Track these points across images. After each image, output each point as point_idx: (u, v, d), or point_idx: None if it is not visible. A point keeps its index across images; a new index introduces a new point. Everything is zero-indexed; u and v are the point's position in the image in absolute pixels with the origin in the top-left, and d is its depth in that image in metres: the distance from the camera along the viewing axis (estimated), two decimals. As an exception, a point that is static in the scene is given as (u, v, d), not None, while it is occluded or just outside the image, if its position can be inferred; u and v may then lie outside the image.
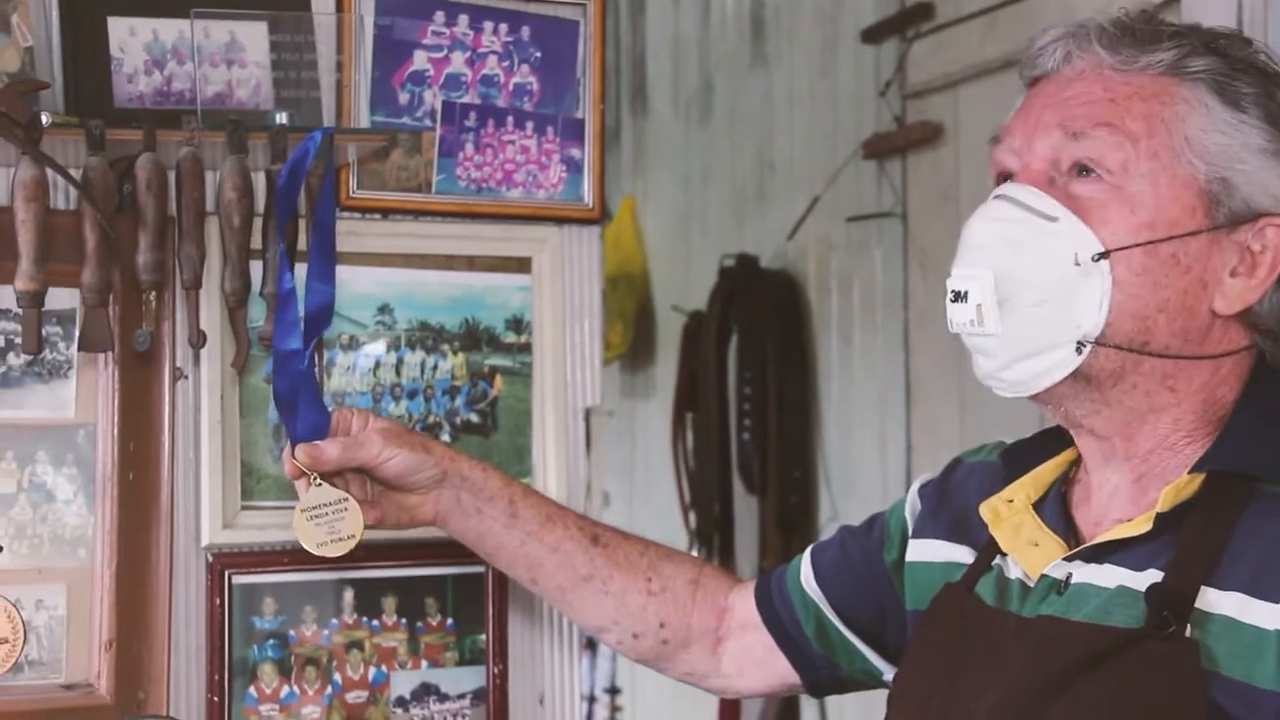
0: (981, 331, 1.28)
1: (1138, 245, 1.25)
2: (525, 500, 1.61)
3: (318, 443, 1.51)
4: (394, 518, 1.56)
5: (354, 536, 1.51)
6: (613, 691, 4.88)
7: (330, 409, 1.55)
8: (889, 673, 1.54)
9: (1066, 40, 1.31)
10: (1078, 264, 1.25)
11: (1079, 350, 1.26)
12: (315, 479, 1.50)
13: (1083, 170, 1.27)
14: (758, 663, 1.61)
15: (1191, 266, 1.26)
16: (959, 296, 1.28)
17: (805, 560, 1.60)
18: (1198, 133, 1.26)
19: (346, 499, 1.51)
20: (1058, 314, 1.26)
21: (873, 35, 3.52)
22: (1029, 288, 1.26)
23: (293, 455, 1.51)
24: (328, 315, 1.58)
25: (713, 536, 4.10)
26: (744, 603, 1.62)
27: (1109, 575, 1.26)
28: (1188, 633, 1.19)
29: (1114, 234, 1.25)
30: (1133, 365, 1.27)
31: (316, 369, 1.59)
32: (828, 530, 3.07)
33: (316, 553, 1.51)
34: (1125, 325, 1.26)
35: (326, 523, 1.50)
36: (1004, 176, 1.33)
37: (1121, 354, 1.26)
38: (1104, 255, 1.25)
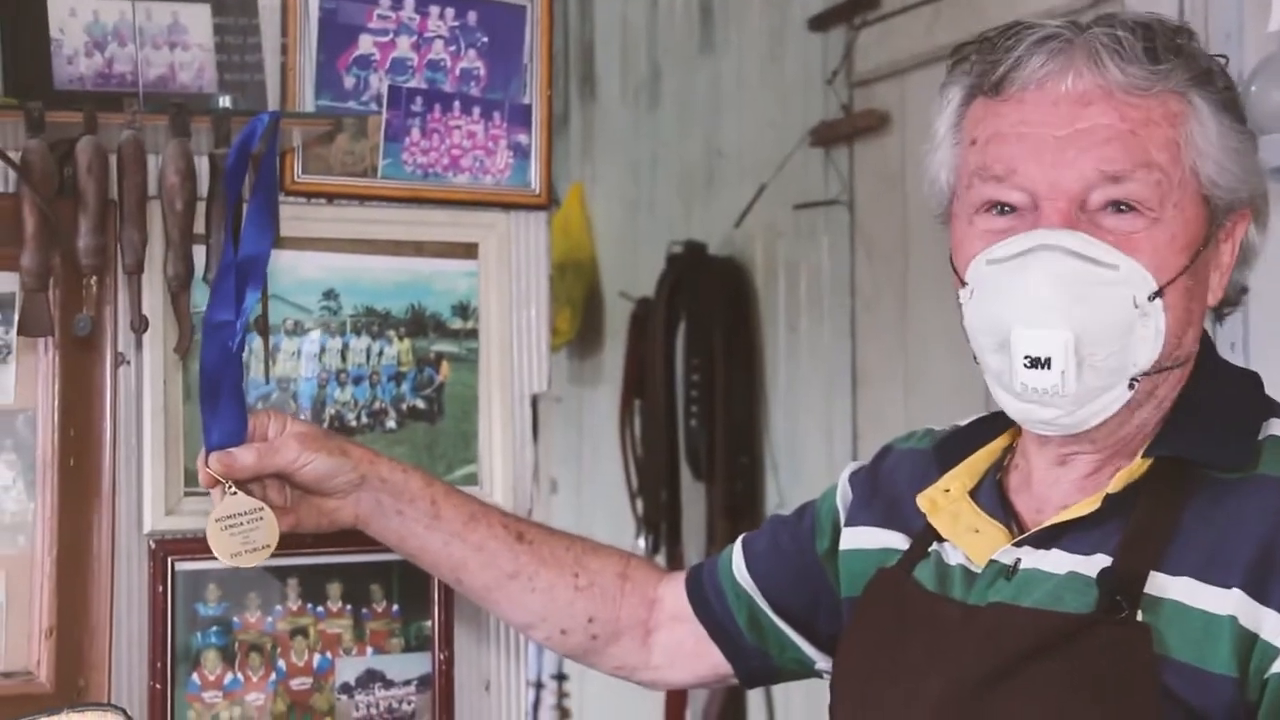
0: (1060, 393, 1.22)
1: (1182, 273, 1.24)
2: (447, 500, 1.58)
3: (232, 450, 1.46)
4: (312, 522, 1.53)
5: (269, 546, 1.47)
6: (560, 678, 4.88)
7: (255, 407, 1.51)
8: (821, 662, 1.54)
9: (1052, 51, 1.25)
10: (1137, 306, 1.22)
11: (1132, 386, 1.24)
12: (230, 487, 1.46)
13: (1118, 206, 1.24)
14: (689, 654, 1.61)
15: (1205, 275, 1.28)
16: (1038, 363, 1.21)
17: (737, 550, 1.60)
18: (1204, 149, 1.25)
19: (262, 508, 1.47)
20: (1120, 359, 1.23)
21: (820, 23, 3.53)
22: (1104, 343, 1.22)
23: (206, 463, 1.47)
24: (260, 268, 1.51)
25: (660, 523, 4.11)
26: (674, 594, 1.61)
27: (1058, 560, 1.27)
28: (1139, 617, 1.20)
29: (1162, 268, 1.23)
30: (1163, 379, 1.28)
31: (246, 364, 1.53)
32: (774, 516, 3.08)
33: (230, 563, 1.47)
34: (1170, 349, 1.25)
35: (241, 533, 1.46)
36: (996, 206, 1.27)
37: (1161, 373, 1.26)
38: (1159, 293, 1.23)
